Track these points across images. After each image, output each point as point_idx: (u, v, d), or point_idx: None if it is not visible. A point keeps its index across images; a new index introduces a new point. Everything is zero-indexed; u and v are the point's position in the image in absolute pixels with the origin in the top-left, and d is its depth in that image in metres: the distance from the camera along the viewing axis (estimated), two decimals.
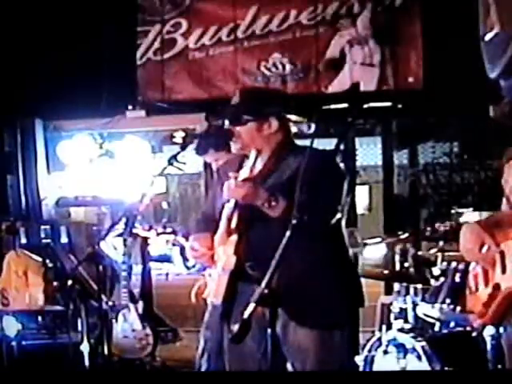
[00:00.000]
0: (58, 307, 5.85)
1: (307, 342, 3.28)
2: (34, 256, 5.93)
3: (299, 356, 3.32)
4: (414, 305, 4.62)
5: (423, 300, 4.62)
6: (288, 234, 2.64)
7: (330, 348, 3.33)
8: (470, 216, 6.25)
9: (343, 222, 3.37)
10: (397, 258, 4.87)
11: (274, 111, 3.33)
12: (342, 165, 3.38)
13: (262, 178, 3.29)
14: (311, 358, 3.30)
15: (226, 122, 3.36)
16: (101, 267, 4.75)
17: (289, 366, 3.40)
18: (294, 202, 2.85)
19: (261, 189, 3.20)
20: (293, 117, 3.38)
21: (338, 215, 3.27)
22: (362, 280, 5.16)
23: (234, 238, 3.24)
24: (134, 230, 5.60)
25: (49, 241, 6.50)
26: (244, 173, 3.29)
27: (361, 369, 4.45)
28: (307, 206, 2.86)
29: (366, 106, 7.11)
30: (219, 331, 3.98)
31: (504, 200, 3.03)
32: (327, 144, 3.20)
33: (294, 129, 3.40)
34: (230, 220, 3.27)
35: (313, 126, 3.38)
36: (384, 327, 4.70)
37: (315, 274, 3.26)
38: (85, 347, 5.07)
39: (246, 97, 3.44)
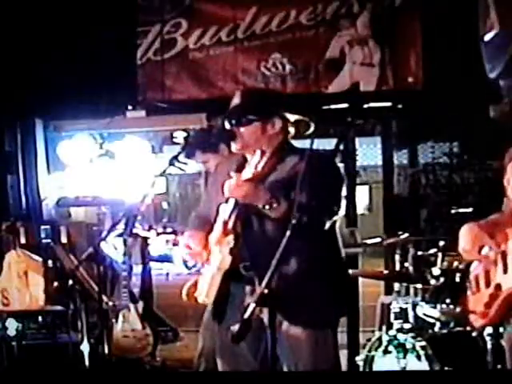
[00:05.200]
0: (58, 307, 5.84)
1: (300, 341, 3.29)
2: (34, 256, 5.93)
3: (292, 355, 3.32)
4: (414, 305, 4.63)
5: (423, 300, 4.63)
6: (288, 233, 2.64)
7: (323, 347, 3.34)
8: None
9: (338, 223, 3.38)
10: (397, 257, 4.88)
11: (278, 111, 3.33)
12: (340, 166, 3.39)
13: (262, 178, 3.29)
14: (304, 357, 3.31)
15: (230, 123, 3.34)
16: (101, 267, 4.76)
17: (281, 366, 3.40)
18: (293, 202, 2.86)
19: (262, 189, 3.19)
20: (293, 117, 3.38)
21: (336, 216, 3.27)
22: (362, 280, 5.20)
23: (231, 238, 3.25)
24: (134, 230, 5.61)
25: (49, 241, 6.50)
26: (247, 172, 3.28)
27: (361, 369, 4.46)
28: (306, 206, 2.86)
29: (365, 105, 7.12)
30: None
31: (505, 200, 3.02)
32: (327, 144, 3.20)
33: (291, 129, 3.40)
34: (227, 220, 3.27)
35: (312, 127, 3.38)
36: (384, 327, 4.71)
37: (309, 274, 3.26)
38: (85, 347, 5.07)
39: (249, 97, 3.44)
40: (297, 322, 3.26)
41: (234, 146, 3.36)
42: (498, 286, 2.77)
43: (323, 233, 3.26)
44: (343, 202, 3.30)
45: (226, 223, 3.27)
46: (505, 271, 2.76)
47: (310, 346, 3.29)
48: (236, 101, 3.39)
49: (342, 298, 3.37)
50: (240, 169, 3.36)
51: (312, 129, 3.37)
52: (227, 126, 3.36)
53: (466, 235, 2.88)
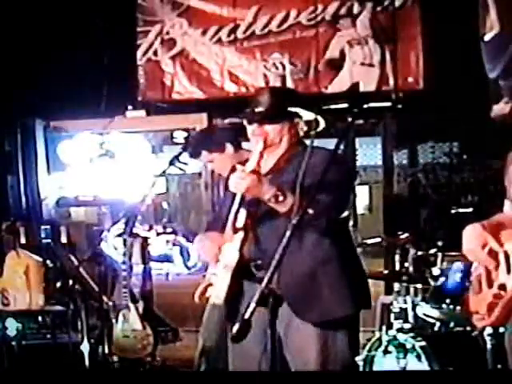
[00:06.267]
0: (58, 307, 5.85)
1: (310, 340, 3.28)
2: (34, 256, 5.93)
3: (301, 355, 3.31)
4: (414, 305, 4.62)
5: (423, 300, 4.63)
6: (288, 233, 2.63)
7: (333, 347, 3.32)
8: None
9: (350, 221, 3.37)
10: (397, 257, 4.88)
11: (302, 110, 3.32)
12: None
13: (273, 175, 3.27)
14: (314, 356, 3.29)
15: (260, 121, 3.29)
16: (101, 267, 4.76)
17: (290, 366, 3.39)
18: (302, 199, 2.85)
19: (267, 183, 3.17)
20: (308, 116, 3.36)
21: (345, 213, 3.26)
22: None
23: (240, 235, 3.23)
24: (134, 230, 5.60)
25: (49, 241, 6.50)
26: (249, 165, 3.26)
27: (361, 369, 4.45)
28: (315, 203, 2.85)
29: (365, 105, 7.12)
30: (218, 331, 3.96)
31: (506, 201, 3.02)
32: (327, 144, 3.20)
33: (304, 128, 3.38)
34: (235, 216, 3.26)
35: (322, 125, 3.37)
36: (384, 327, 4.71)
37: (321, 272, 3.25)
38: (85, 347, 5.07)
39: (281, 96, 3.42)
40: (308, 320, 3.24)
41: (259, 145, 3.31)
42: (502, 287, 2.76)
43: (334, 230, 3.25)
44: (351, 198, 3.29)
45: (234, 220, 3.26)
46: (508, 271, 2.76)
47: (319, 345, 3.27)
48: (265, 99, 3.33)
49: (354, 296, 3.35)
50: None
51: (321, 127, 3.36)
52: (253, 123, 3.30)
53: (469, 235, 2.88)
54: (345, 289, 3.29)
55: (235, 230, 3.24)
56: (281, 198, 3.12)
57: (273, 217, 3.19)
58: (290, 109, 3.32)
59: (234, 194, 3.28)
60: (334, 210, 3.23)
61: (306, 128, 3.36)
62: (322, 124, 3.34)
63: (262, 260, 3.18)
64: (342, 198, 3.27)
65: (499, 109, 6.35)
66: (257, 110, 3.31)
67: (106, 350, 5.22)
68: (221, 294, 3.26)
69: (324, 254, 3.26)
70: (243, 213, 3.24)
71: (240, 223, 3.24)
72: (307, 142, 3.39)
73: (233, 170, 3.40)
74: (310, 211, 2.77)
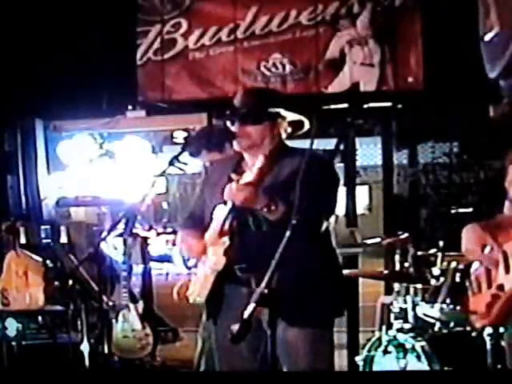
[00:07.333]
0: (58, 307, 5.85)
1: (297, 341, 3.29)
2: (34, 256, 5.93)
3: (290, 356, 3.33)
4: (414, 305, 4.63)
5: (423, 300, 4.63)
6: (288, 234, 2.64)
7: (320, 347, 3.34)
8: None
9: (333, 223, 3.38)
10: (397, 257, 4.88)
11: (284, 111, 3.33)
12: (340, 166, 3.40)
13: (258, 180, 3.29)
14: (302, 357, 3.31)
15: (242, 122, 3.30)
16: (101, 267, 4.77)
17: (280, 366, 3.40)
18: (291, 204, 2.87)
19: (261, 193, 3.20)
20: (292, 117, 3.37)
21: (332, 217, 3.29)
22: (362, 280, 5.20)
23: (226, 239, 3.25)
24: (134, 230, 5.61)
25: (49, 241, 6.50)
26: (248, 176, 3.28)
27: (361, 369, 4.46)
28: (304, 208, 2.87)
29: (366, 106, 7.13)
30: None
31: (507, 202, 3.02)
32: (327, 144, 3.21)
33: (288, 129, 3.39)
34: (223, 222, 3.27)
35: (306, 126, 3.38)
36: (384, 327, 4.71)
37: (305, 275, 3.26)
38: (85, 347, 5.08)
39: (263, 97, 3.43)
40: (294, 322, 3.26)
41: (241, 145, 3.33)
42: (501, 287, 2.77)
43: (319, 233, 3.27)
44: (339, 203, 3.31)
45: (222, 224, 3.27)
46: (507, 271, 2.76)
47: (307, 346, 3.29)
48: (248, 100, 3.34)
49: (338, 297, 3.38)
50: (237, 170, 3.36)
51: (305, 128, 3.38)
52: (235, 124, 3.32)
53: (468, 235, 2.89)
54: (330, 291, 3.31)
55: (221, 235, 3.26)
56: (273, 208, 3.15)
57: (257, 220, 3.22)
58: (271, 110, 3.33)
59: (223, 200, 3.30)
60: (324, 215, 3.25)
61: (289, 129, 3.39)
62: (307, 125, 3.36)
63: (247, 263, 3.20)
64: (331, 203, 3.30)
65: (499, 109, 6.35)
66: (238, 111, 3.33)
67: (106, 350, 5.23)
68: (203, 293, 3.28)
69: (306, 258, 3.27)
70: (230, 218, 3.27)
71: (226, 228, 3.26)
72: (295, 144, 3.41)
73: (215, 170, 3.42)
74: (302, 220, 2.79)
